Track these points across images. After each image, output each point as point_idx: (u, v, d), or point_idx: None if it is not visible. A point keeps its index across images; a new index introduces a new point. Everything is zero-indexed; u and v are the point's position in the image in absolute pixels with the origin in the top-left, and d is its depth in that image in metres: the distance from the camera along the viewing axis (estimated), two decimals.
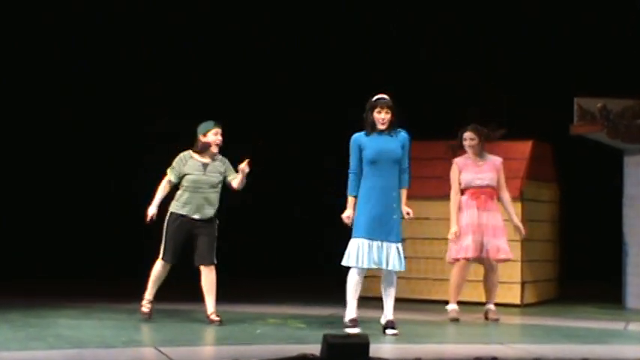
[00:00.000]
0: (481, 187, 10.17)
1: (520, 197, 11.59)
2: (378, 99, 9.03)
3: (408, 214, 9.03)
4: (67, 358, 6.98)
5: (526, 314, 11.10)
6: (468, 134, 10.29)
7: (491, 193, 10.20)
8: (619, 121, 11.52)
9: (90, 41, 14.15)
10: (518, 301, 11.59)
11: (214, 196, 9.39)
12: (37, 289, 12.15)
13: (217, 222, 9.43)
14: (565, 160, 12.96)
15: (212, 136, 9.37)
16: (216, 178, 9.39)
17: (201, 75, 14.60)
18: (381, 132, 8.99)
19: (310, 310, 10.69)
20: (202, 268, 9.38)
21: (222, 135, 9.40)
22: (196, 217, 9.33)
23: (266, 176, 14.80)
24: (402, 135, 9.06)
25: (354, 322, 8.93)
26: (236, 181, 9.38)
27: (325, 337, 6.85)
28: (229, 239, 14.24)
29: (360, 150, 8.97)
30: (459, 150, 10.37)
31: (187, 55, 14.54)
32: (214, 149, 9.37)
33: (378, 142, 8.97)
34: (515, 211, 10.50)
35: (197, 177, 9.32)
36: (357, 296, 8.99)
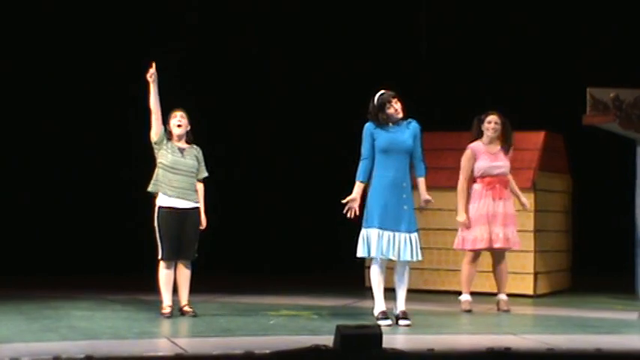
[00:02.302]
0: (497, 175, 10.11)
1: (532, 188, 11.58)
2: (385, 93, 9.07)
3: (427, 201, 9.03)
4: (81, 350, 7.00)
5: (539, 305, 11.09)
6: (494, 117, 10.13)
7: (506, 181, 10.15)
8: (631, 111, 11.49)
9: (89, 41, 14.15)
10: (531, 292, 11.57)
11: (193, 180, 9.39)
12: (50, 282, 12.19)
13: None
14: (577, 151, 12.93)
15: (172, 119, 9.44)
16: (193, 161, 9.41)
17: (200, 74, 14.58)
18: (393, 124, 9.04)
19: (323, 302, 10.69)
20: (180, 261, 9.38)
21: (188, 119, 9.45)
22: (183, 206, 9.28)
23: (279, 172, 14.86)
24: (413, 125, 9.11)
25: (384, 314, 8.95)
26: (200, 191, 9.46)
27: (338, 328, 6.85)
28: (244, 233, 14.42)
29: (373, 138, 9.01)
30: (476, 136, 10.23)
31: (185, 55, 14.54)
32: (176, 131, 9.40)
33: (389, 132, 9.01)
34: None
35: (176, 158, 9.33)
36: (382, 287, 8.99)
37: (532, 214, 11.54)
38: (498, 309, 10.17)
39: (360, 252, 8.97)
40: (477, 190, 10.12)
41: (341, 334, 6.74)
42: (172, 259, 9.33)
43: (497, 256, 10.21)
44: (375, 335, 6.81)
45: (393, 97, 9.06)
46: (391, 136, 8.98)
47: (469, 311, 9.99)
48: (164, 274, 9.33)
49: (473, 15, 14.64)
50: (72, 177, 14.12)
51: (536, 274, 11.65)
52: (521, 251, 11.35)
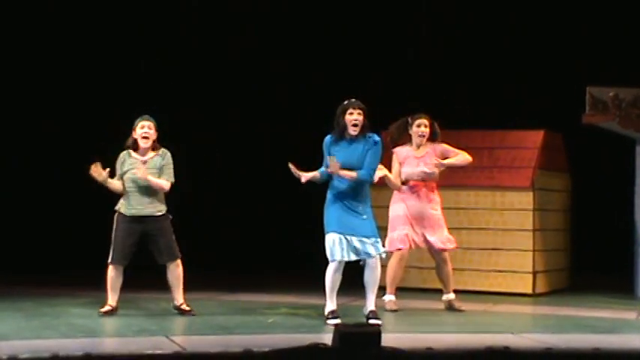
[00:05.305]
0: (423, 180, 9.89)
1: (531, 186, 11.58)
2: (350, 101, 8.92)
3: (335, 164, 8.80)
4: (80, 347, 7.00)
5: (537, 304, 11.09)
6: (423, 121, 9.92)
7: (432, 186, 9.94)
8: (631, 111, 11.49)
9: (88, 41, 14.15)
10: (529, 291, 11.56)
11: (158, 191, 9.20)
12: (49, 279, 12.18)
13: (170, 217, 9.27)
14: (577, 150, 12.92)
15: (139, 129, 9.23)
16: (155, 173, 9.16)
17: (200, 74, 14.57)
18: (351, 138, 8.88)
19: (322, 300, 10.64)
20: (168, 264, 9.26)
21: (156, 128, 9.25)
22: (144, 214, 9.14)
23: (277, 167, 14.83)
24: (372, 140, 8.89)
25: (333, 313, 8.97)
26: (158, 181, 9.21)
27: (337, 326, 6.86)
28: (241, 230, 14.40)
29: (329, 154, 8.90)
30: (399, 138, 10.03)
31: (179, 55, 14.55)
32: (142, 143, 9.20)
33: (345, 150, 8.86)
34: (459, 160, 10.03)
35: (135, 175, 9.14)
36: (335, 288, 9.02)
37: (531, 213, 11.54)
38: (450, 308, 9.98)
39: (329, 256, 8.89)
40: (405, 190, 9.92)
41: (340, 332, 6.75)
42: (122, 263, 9.22)
43: (440, 259, 9.98)
44: (373, 334, 6.82)
45: (355, 108, 8.84)
46: (346, 157, 8.81)
47: (395, 311, 9.79)
48: (110, 277, 9.23)
49: (473, 15, 14.62)
50: (71, 176, 14.09)
51: (535, 273, 11.65)
52: (520, 250, 11.35)
